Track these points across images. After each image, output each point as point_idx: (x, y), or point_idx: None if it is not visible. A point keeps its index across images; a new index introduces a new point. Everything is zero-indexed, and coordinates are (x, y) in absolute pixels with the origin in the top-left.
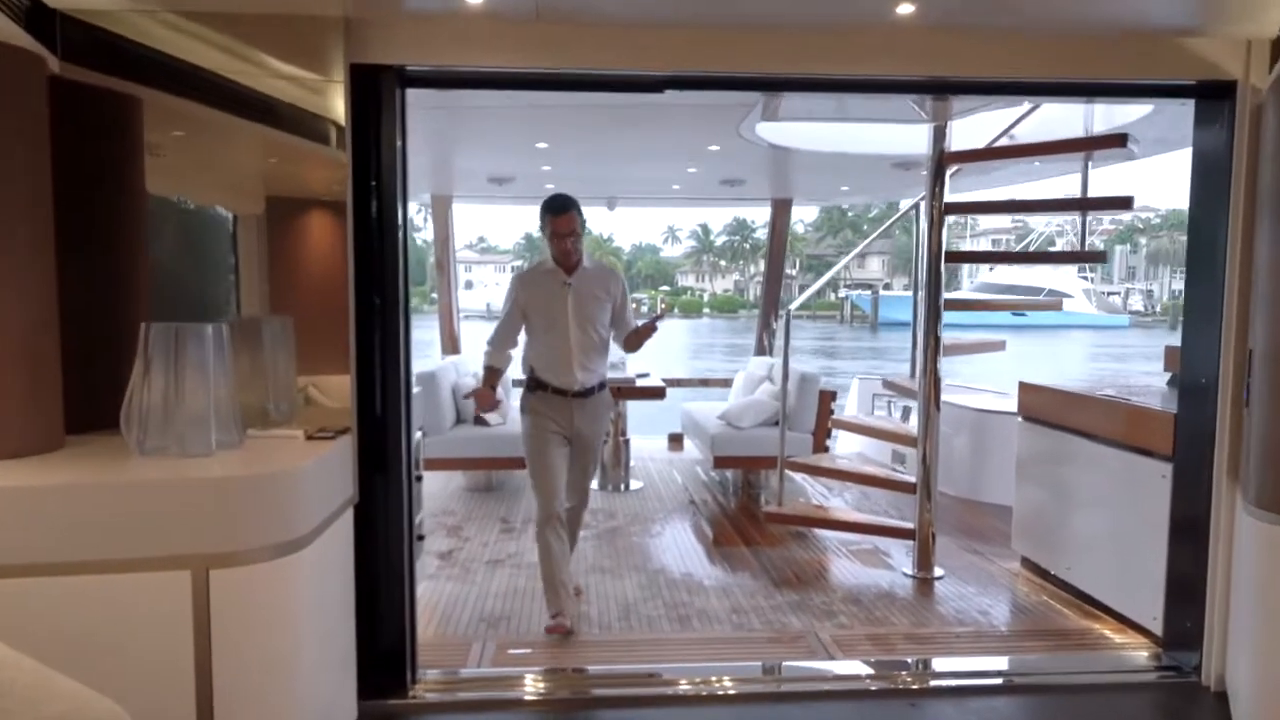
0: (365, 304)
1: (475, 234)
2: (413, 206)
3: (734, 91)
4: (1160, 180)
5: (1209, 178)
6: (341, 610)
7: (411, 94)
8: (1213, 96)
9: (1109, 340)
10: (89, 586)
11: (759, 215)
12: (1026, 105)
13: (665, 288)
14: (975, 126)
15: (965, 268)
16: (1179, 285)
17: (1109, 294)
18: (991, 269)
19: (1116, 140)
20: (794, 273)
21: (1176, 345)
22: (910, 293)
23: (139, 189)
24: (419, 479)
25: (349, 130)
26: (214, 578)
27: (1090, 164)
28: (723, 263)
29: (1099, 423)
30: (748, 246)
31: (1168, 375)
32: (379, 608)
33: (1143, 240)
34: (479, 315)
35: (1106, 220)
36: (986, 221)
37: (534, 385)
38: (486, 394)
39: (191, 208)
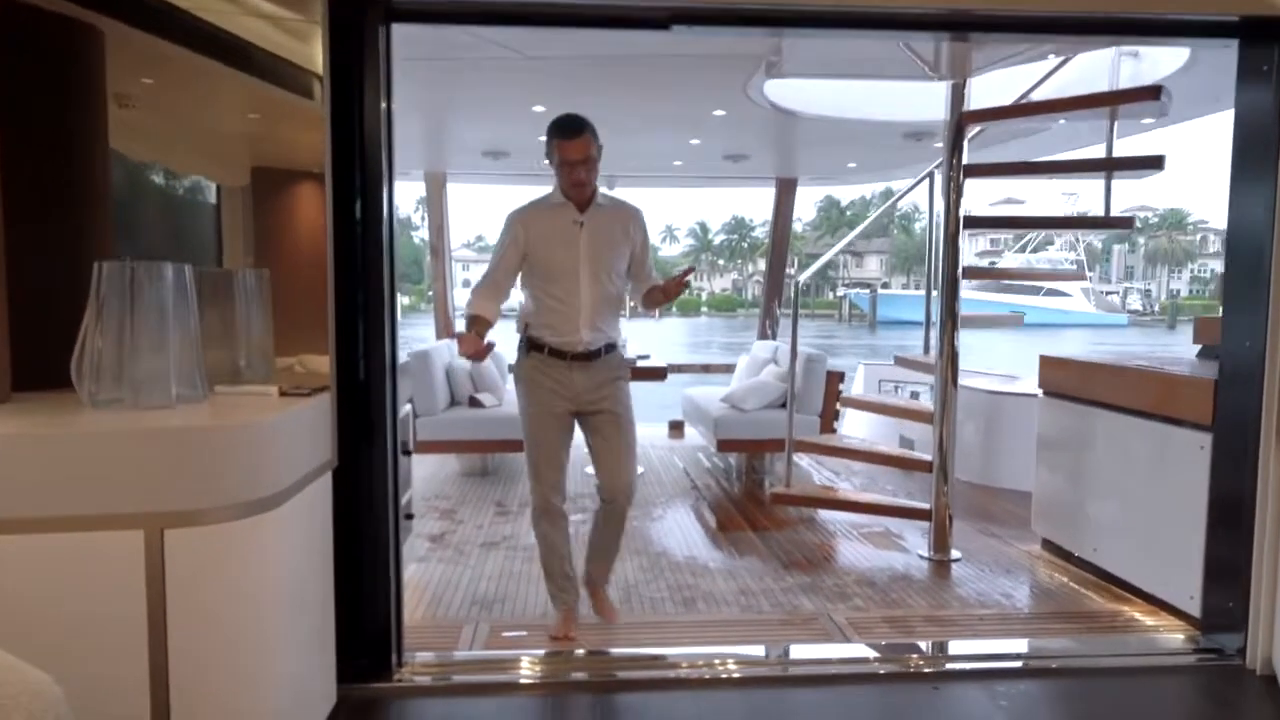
0: (346, 260)
1: (473, 233)
2: (410, 204)
3: (743, 28)
4: (1158, 180)
5: (1252, 130)
6: (318, 583)
7: (400, 48)
8: (1258, 37)
9: (1108, 339)
10: (29, 547)
11: (757, 213)
12: (1048, 64)
13: None
14: (995, 90)
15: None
16: (1177, 285)
17: (1107, 293)
18: (992, 264)
19: (1149, 93)
20: (792, 271)
21: (1209, 316)
22: (908, 291)
23: (100, 128)
24: (407, 453)
25: (326, 70)
26: (169, 538)
27: (1116, 124)
28: (721, 261)
29: (1129, 394)
30: (745, 245)
31: (1198, 348)
32: (362, 586)
33: (1141, 240)
34: None
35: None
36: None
37: (529, 346)
38: (473, 339)
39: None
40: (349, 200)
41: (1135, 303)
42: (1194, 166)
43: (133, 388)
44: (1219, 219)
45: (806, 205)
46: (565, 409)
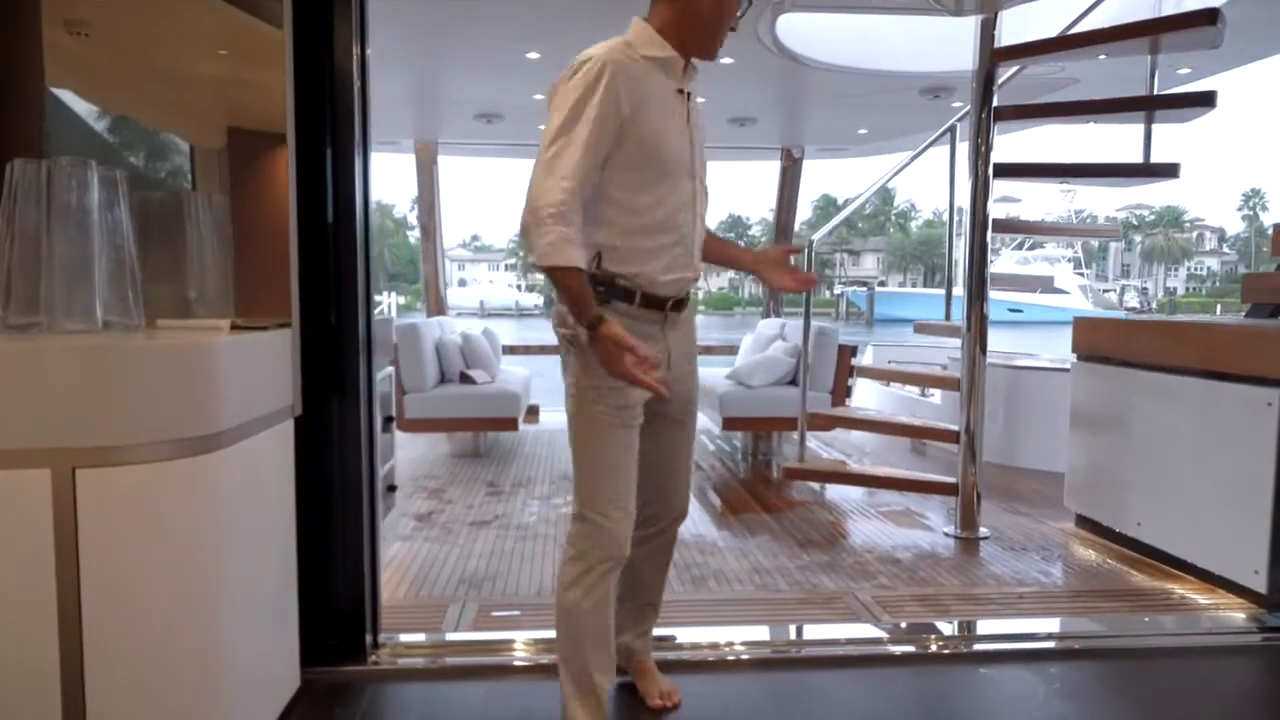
0: (313, 195)
1: (469, 232)
2: (405, 202)
3: None
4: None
5: None
6: (276, 548)
7: None
8: None
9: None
10: None
11: (754, 212)
12: (1079, 4)
13: None
14: (1026, 33)
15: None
16: (1173, 283)
17: (1105, 290)
18: (994, 259)
19: (1204, 17)
20: (817, 239)
21: (1260, 273)
22: (905, 290)
23: (33, 43)
24: (389, 422)
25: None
26: (82, 480)
27: (1157, 70)
28: None
29: (1182, 351)
30: (743, 243)
31: (1246, 307)
32: (331, 557)
33: (1137, 238)
34: (472, 313)
35: (1101, 219)
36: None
37: (607, 293)
38: (629, 342)
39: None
40: (318, 146)
41: (1132, 300)
42: (1190, 166)
43: (49, 311)
44: (1215, 217)
45: (803, 204)
46: (646, 396)
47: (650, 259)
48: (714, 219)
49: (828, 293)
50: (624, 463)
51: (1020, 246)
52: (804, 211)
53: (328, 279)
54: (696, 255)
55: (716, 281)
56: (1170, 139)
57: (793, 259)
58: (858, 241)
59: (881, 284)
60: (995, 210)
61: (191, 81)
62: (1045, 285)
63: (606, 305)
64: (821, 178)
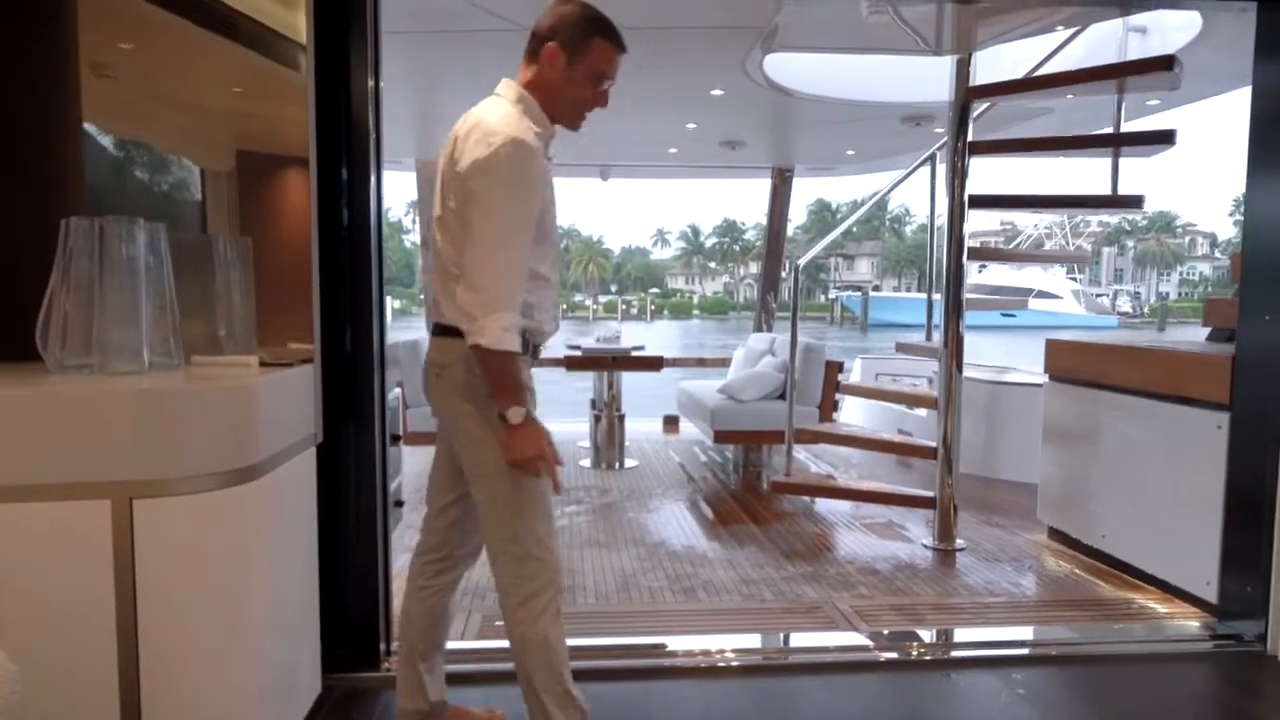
0: (331, 234)
1: None
2: (401, 207)
3: None
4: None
5: (1272, 104)
6: (302, 565)
7: (388, 22)
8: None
9: (1098, 340)
10: None
11: (749, 216)
12: (1053, 40)
13: (655, 290)
14: (1001, 73)
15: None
16: (1166, 288)
17: (1097, 295)
18: (981, 270)
19: (1162, 63)
20: (785, 275)
21: (1220, 298)
22: (899, 294)
23: (72, 85)
24: (396, 439)
25: (311, 39)
26: (139, 509)
27: (1124, 108)
28: (712, 264)
29: (1142, 375)
30: (737, 249)
31: (1207, 330)
32: (348, 572)
33: (1130, 243)
34: None
35: (1094, 223)
36: (973, 224)
37: (526, 346)
38: (547, 444)
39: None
40: (335, 176)
41: (1125, 305)
42: (1183, 170)
43: (102, 353)
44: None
45: (798, 208)
46: None
47: (543, 313)
48: (709, 225)
49: (822, 297)
50: (550, 503)
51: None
52: (800, 217)
53: (343, 308)
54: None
55: (712, 286)
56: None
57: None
58: (852, 246)
59: (876, 289)
60: (988, 230)
61: (206, 113)
62: (1020, 303)
63: (524, 356)
64: (817, 183)
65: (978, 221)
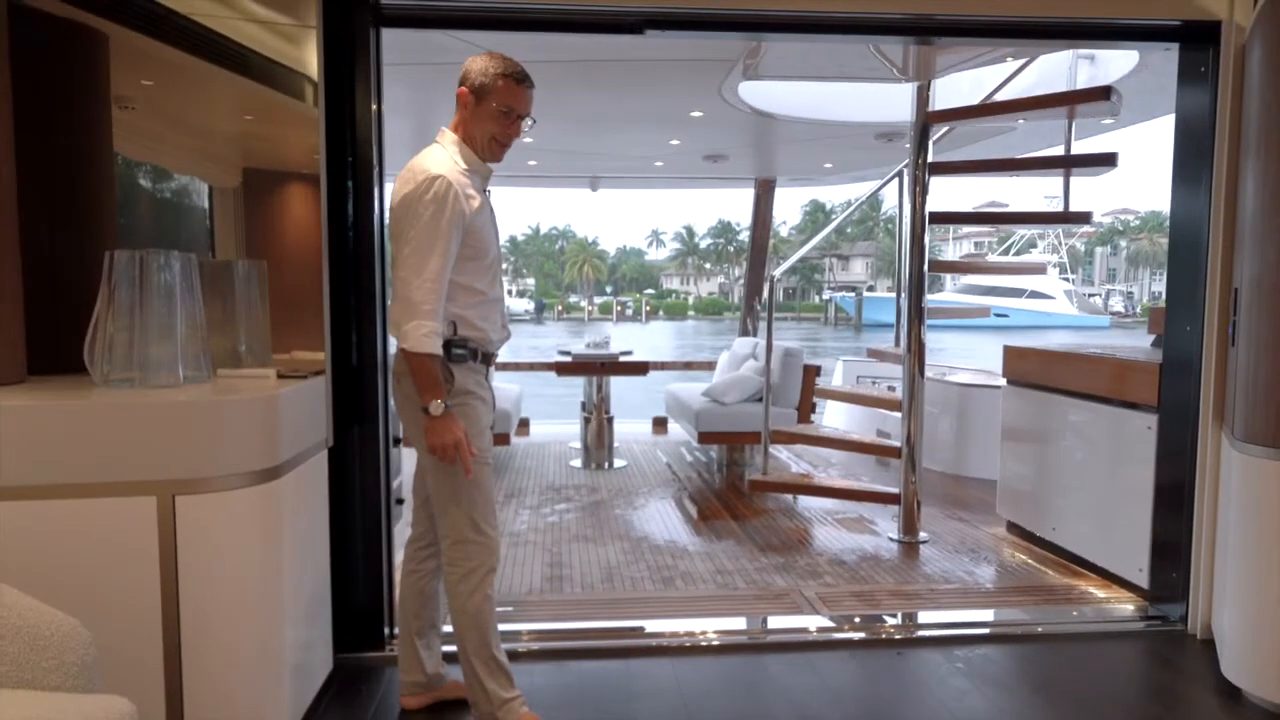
0: (339, 253)
1: None
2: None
3: (714, 33)
4: (1140, 183)
5: (1191, 130)
6: (316, 554)
7: (388, 54)
8: (1197, 41)
9: (1090, 340)
10: (51, 511)
11: (744, 217)
12: (1009, 68)
13: (650, 291)
14: (963, 94)
15: (948, 275)
16: (1158, 287)
17: (1090, 295)
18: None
19: (1100, 93)
20: (778, 275)
21: (1162, 307)
22: (893, 294)
23: (105, 128)
24: (398, 441)
25: (321, 73)
26: (180, 504)
27: (1075, 126)
28: (707, 265)
29: (1086, 380)
30: (731, 249)
31: (1152, 338)
32: (356, 561)
33: (1123, 243)
34: None
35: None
36: (968, 228)
37: (463, 354)
38: (463, 435)
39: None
40: (341, 198)
41: (1117, 304)
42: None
43: (142, 369)
44: None
45: (793, 209)
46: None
47: (487, 324)
48: (704, 226)
49: (817, 298)
50: (492, 489)
51: (1007, 252)
52: (794, 218)
53: (349, 321)
54: (504, 312)
55: (707, 286)
56: (1157, 139)
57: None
58: (846, 247)
59: (870, 288)
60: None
61: (218, 137)
62: (983, 312)
63: (464, 364)
64: (810, 186)
65: (972, 227)
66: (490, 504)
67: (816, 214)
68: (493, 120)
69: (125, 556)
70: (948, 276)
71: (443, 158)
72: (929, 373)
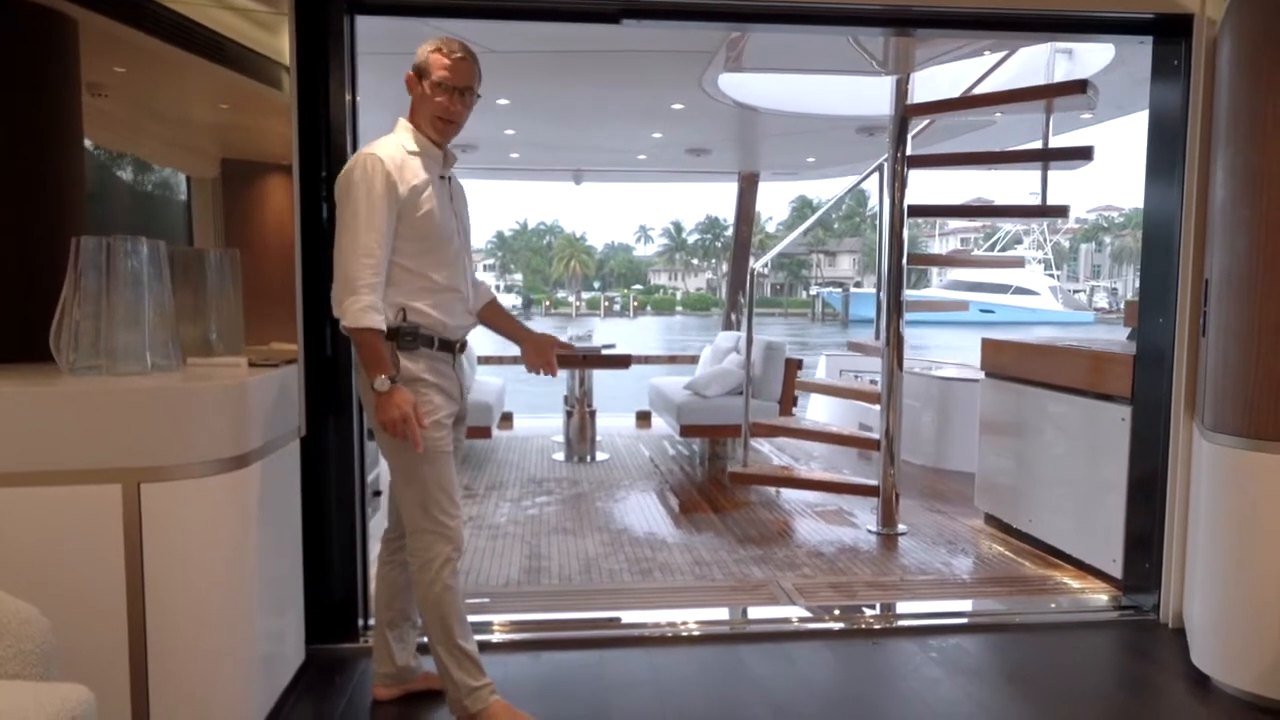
0: (312, 242)
1: None
2: None
3: (691, 22)
4: (1124, 180)
5: (1164, 124)
6: (288, 544)
7: (364, 42)
8: (1170, 34)
9: (1075, 336)
10: (14, 499)
11: (731, 212)
12: (987, 62)
13: (638, 286)
14: (942, 88)
15: (934, 269)
16: None
17: (1075, 291)
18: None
19: (1076, 86)
20: (766, 271)
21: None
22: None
23: (74, 114)
24: (372, 435)
25: (293, 60)
26: (146, 491)
27: (1053, 119)
28: (695, 261)
29: (1062, 372)
30: (719, 245)
31: (1127, 330)
32: (329, 552)
33: (1107, 239)
34: None
35: (1072, 219)
36: (956, 223)
37: (414, 340)
38: (411, 409)
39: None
40: (316, 187)
41: (1101, 300)
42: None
43: (109, 356)
44: None
45: (780, 204)
46: (453, 417)
47: (443, 312)
48: (691, 221)
49: (804, 294)
50: (451, 477)
51: (993, 248)
52: (781, 213)
53: (324, 311)
54: (473, 306)
55: (695, 282)
56: (1141, 137)
57: (556, 352)
58: (833, 243)
59: (857, 285)
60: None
61: (194, 126)
62: (962, 306)
63: (415, 350)
64: (799, 180)
65: (959, 221)
66: (447, 492)
67: (804, 209)
68: (433, 95)
69: (89, 545)
70: (934, 273)
71: (386, 141)
72: (912, 367)
